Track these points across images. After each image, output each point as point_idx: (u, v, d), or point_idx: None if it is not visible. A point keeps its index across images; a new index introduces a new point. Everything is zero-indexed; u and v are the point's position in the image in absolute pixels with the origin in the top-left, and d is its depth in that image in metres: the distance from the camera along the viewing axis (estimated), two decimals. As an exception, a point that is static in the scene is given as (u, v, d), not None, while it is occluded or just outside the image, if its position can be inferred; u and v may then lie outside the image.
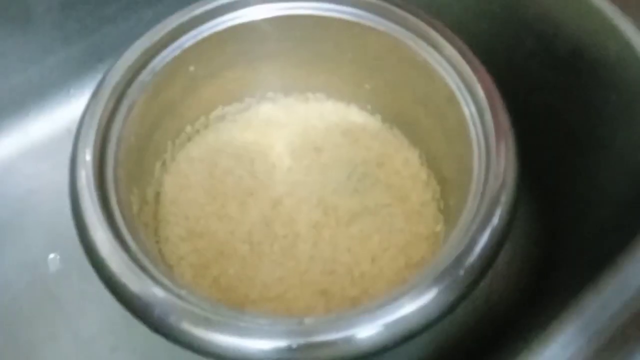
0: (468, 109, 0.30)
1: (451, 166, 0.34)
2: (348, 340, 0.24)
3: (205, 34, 0.33)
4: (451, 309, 0.25)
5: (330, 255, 0.34)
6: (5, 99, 0.41)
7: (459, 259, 0.25)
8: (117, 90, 0.30)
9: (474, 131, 0.30)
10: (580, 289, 0.27)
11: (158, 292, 0.24)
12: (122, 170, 0.29)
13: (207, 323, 0.23)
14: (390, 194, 0.36)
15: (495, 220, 0.26)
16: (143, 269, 0.24)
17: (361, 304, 0.30)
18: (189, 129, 0.37)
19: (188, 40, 0.33)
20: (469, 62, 0.30)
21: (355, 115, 0.39)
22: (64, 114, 0.42)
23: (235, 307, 0.29)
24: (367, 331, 0.24)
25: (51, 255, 0.38)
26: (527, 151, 0.29)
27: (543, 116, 0.35)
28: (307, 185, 0.36)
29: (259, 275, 0.33)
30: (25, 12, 0.38)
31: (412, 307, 0.24)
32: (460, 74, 0.31)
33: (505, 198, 0.27)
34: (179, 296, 0.24)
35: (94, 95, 0.30)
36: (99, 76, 0.31)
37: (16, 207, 0.40)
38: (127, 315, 0.35)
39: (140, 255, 0.25)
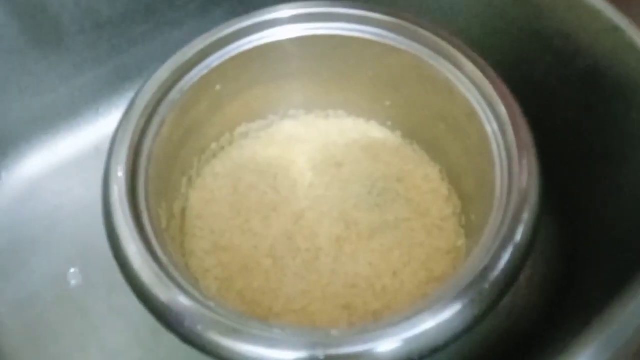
0: (490, 126, 0.31)
1: (472, 182, 0.34)
2: (373, 353, 0.24)
3: (232, 54, 0.34)
4: (474, 324, 0.25)
5: (352, 269, 0.34)
6: (36, 117, 0.42)
7: (483, 274, 0.26)
8: (148, 109, 0.31)
9: (496, 147, 0.30)
10: (602, 305, 0.27)
11: (188, 303, 0.25)
12: (152, 186, 0.30)
13: (236, 333, 0.24)
14: (411, 208, 0.36)
15: (519, 236, 0.27)
16: (173, 280, 0.25)
17: (384, 318, 0.31)
18: (214, 145, 0.38)
19: (215, 60, 0.34)
20: (489, 79, 0.31)
21: (375, 132, 0.39)
22: (93, 132, 0.44)
23: (260, 319, 0.29)
24: (392, 344, 0.24)
25: (78, 270, 0.39)
26: (547, 167, 0.29)
27: (563, 132, 0.35)
28: (328, 200, 0.37)
29: (282, 289, 0.33)
30: (58, 33, 0.39)
31: (435, 321, 0.25)
32: (481, 90, 0.31)
33: (528, 213, 0.27)
34: (208, 307, 0.25)
35: (126, 113, 0.31)
36: (127, 95, 0.32)
37: (45, 223, 0.41)
38: (154, 327, 0.35)
39: (171, 268, 0.26)
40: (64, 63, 0.41)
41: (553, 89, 0.34)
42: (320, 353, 0.23)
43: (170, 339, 0.35)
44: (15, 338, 0.36)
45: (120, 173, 0.29)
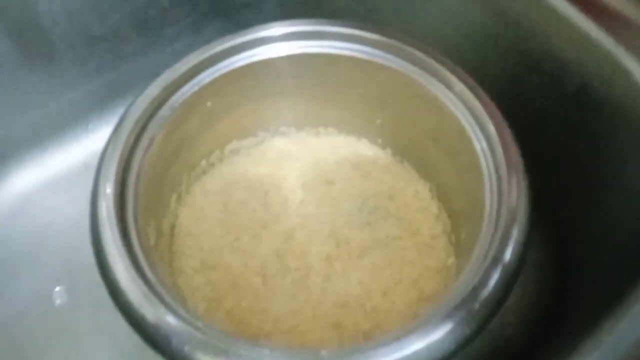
0: (479, 144, 0.31)
1: (462, 200, 0.34)
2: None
3: (223, 71, 0.34)
4: (464, 344, 0.25)
5: (343, 288, 0.34)
6: (25, 133, 0.42)
7: (473, 294, 0.25)
8: (138, 125, 0.31)
9: (485, 165, 0.30)
10: (593, 323, 0.27)
11: (176, 323, 0.24)
12: (141, 203, 0.30)
13: (224, 354, 0.24)
14: (401, 227, 0.36)
15: (508, 255, 0.27)
16: (161, 299, 0.25)
17: (374, 338, 0.30)
18: (204, 162, 0.38)
19: (206, 76, 0.34)
20: (478, 98, 0.31)
21: (366, 149, 0.40)
22: (82, 148, 0.43)
23: (249, 339, 0.29)
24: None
25: (65, 288, 0.38)
26: (537, 186, 0.29)
27: (552, 151, 0.35)
28: (319, 217, 0.37)
29: (272, 308, 0.33)
30: (49, 48, 0.39)
31: (426, 342, 0.24)
32: (470, 109, 0.31)
33: (517, 231, 0.27)
34: (196, 327, 0.24)
35: (116, 129, 0.30)
36: (117, 112, 0.32)
37: (33, 239, 0.40)
38: (140, 347, 0.35)
39: (159, 287, 0.25)
40: (55, 78, 0.41)
41: (542, 109, 0.35)
42: (310, 374, 0.23)
43: (155, 357, 0.35)
44: (0, 355, 0.36)
45: (108, 189, 0.29)
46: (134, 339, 0.35)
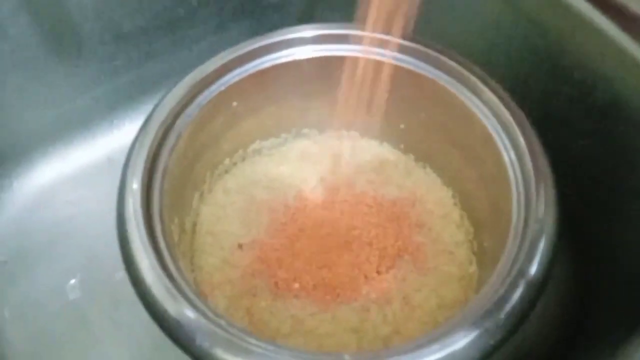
0: (507, 154, 0.31)
1: (486, 208, 0.34)
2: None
3: (250, 72, 0.34)
4: (486, 355, 0.25)
5: (362, 292, 0.34)
6: (51, 127, 0.42)
7: (499, 304, 0.25)
8: (165, 123, 0.31)
9: (513, 175, 0.30)
10: (616, 340, 0.26)
11: (199, 320, 0.24)
12: (166, 200, 0.30)
13: (246, 353, 0.24)
14: (422, 233, 0.36)
15: (535, 266, 0.26)
16: (184, 296, 0.25)
17: (394, 344, 0.30)
18: (227, 161, 0.38)
19: (233, 77, 0.34)
20: (507, 107, 0.31)
21: (388, 154, 0.39)
22: (106, 143, 0.44)
23: (270, 340, 0.29)
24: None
25: (83, 281, 0.38)
26: (563, 198, 0.29)
27: (580, 164, 0.35)
28: (339, 220, 0.37)
29: (291, 309, 0.33)
30: (77, 44, 0.39)
31: (448, 350, 0.24)
32: (499, 118, 0.31)
33: (545, 244, 0.27)
34: (218, 325, 0.24)
35: (144, 126, 0.31)
36: (143, 109, 0.32)
37: (54, 232, 0.40)
38: (157, 342, 0.35)
39: (182, 284, 0.26)
40: (82, 74, 0.41)
41: (571, 119, 0.34)
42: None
43: (172, 355, 0.35)
44: (17, 348, 0.36)
45: (135, 185, 0.29)
46: (151, 334, 0.35)
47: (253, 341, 0.24)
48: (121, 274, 0.36)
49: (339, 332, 0.32)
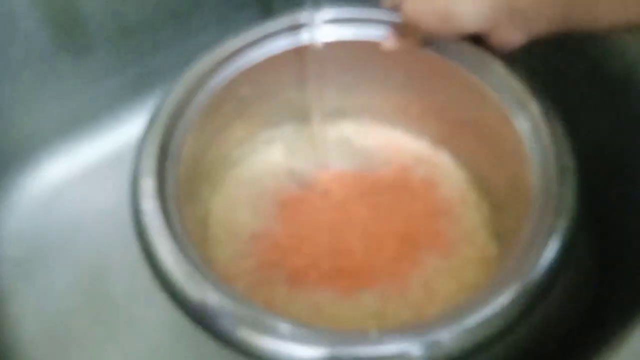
0: (523, 130, 0.30)
1: (503, 188, 0.34)
2: (409, 353, 0.23)
3: (260, 58, 0.34)
4: (515, 324, 0.24)
5: (382, 278, 0.33)
6: (59, 123, 0.42)
7: (520, 281, 0.25)
8: (176, 110, 0.31)
9: (530, 150, 0.29)
10: (636, 316, 0.26)
11: (223, 301, 0.24)
12: (179, 189, 0.29)
13: (272, 333, 0.23)
14: (440, 217, 0.35)
15: (555, 245, 0.26)
16: (207, 278, 0.24)
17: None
18: (237, 151, 0.38)
19: (244, 63, 0.33)
20: (518, 77, 0.31)
21: (402, 138, 0.39)
22: (115, 138, 0.43)
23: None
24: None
25: (97, 279, 0.38)
26: (584, 179, 0.28)
27: (594, 141, 0.34)
28: (354, 207, 0.36)
29: (310, 298, 0.32)
30: (86, 38, 0.39)
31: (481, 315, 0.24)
32: (513, 92, 0.31)
33: (564, 222, 0.26)
34: (243, 305, 0.24)
35: (154, 115, 0.30)
36: (150, 102, 0.31)
37: (65, 230, 0.40)
38: (174, 337, 0.35)
39: (203, 267, 0.25)
40: (90, 68, 0.41)
41: (584, 95, 0.34)
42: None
43: (189, 348, 0.34)
44: (37, 346, 0.35)
45: (148, 175, 0.28)
46: (168, 328, 0.35)
47: (278, 321, 0.24)
48: (135, 268, 0.36)
49: (360, 318, 0.31)
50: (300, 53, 0.34)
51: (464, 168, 0.37)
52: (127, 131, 0.43)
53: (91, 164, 0.42)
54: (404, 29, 0.32)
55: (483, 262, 0.34)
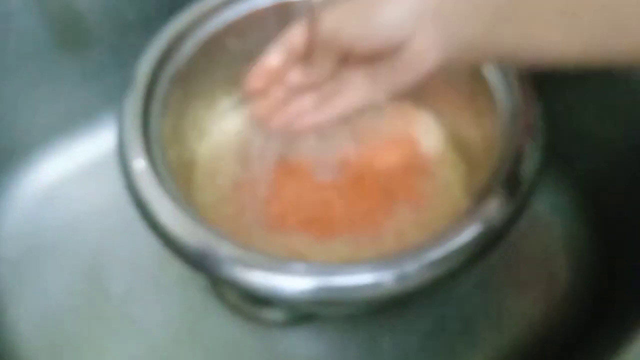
0: (497, 89, 0.31)
1: (480, 149, 0.34)
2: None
3: (248, 11, 0.34)
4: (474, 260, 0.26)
5: (357, 227, 0.34)
6: (55, 122, 0.42)
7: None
8: (164, 53, 0.32)
9: (503, 111, 0.31)
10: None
11: (229, 247, 0.26)
12: (164, 131, 0.30)
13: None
14: (417, 172, 0.36)
15: (513, 193, 0.27)
16: (207, 228, 0.26)
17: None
18: (225, 101, 0.38)
19: (231, 14, 0.34)
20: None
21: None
22: (112, 137, 0.41)
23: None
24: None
25: (95, 277, 0.38)
26: (585, 179, 0.30)
27: (598, 144, 0.35)
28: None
29: (287, 241, 0.34)
30: (84, 35, 0.39)
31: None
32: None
33: (524, 174, 0.28)
34: (247, 250, 0.26)
35: (145, 52, 0.31)
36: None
37: (62, 229, 0.40)
38: (172, 337, 0.35)
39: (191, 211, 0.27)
40: (87, 67, 0.40)
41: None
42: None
43: (187, 348, 0.35)
44: (33, 345, 0.36)
45: (134, 121, 0.30)
46: (167, 328, 0.35)
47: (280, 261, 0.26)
48: (132, 268, 0.37)
49: (332, 260, 0.33)
50: (293, 7, 0.35)
51: (443, 126, 0.38)
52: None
53: (88, 163, 0.42)
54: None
55: (455, 216, 0.35)
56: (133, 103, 0.30)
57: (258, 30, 0.36)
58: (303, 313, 0.32)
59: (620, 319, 0.31)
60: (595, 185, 0.35)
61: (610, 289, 0.35)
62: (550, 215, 0.38)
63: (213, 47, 0.34)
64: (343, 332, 0.35)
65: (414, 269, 0.25)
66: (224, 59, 0.36)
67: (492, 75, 0.31)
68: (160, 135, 0.30)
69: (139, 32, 0.39)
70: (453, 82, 0.35)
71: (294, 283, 0.25)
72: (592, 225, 0.37)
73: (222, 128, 0.38)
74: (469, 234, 0.26)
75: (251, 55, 0.37)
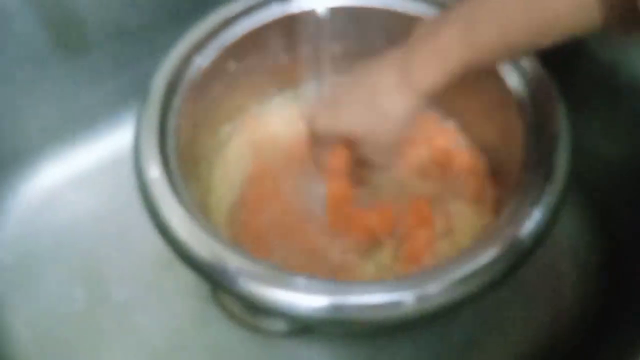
0: (510, 80, 0.31)
1: (496, 136, 0.35)
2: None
3: (248, 30, 0.34)
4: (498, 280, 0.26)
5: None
6: (55, 127, 0.41)
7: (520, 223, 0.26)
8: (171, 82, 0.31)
9: (518, 99, 0.31)
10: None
11: (240, 261, 0.26)
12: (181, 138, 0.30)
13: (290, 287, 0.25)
14: (433, 166, 0.37)
15: (541, 210, 0.27)
16: (221, 242, 0.26)
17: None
18: (229, 126, 0.38)
19: (230, 37, 0.34)
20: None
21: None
22: (110, 143, 0.42)
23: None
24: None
25: (91, 285, 0.37)
26: (591, 183, 0.30)
27: (604, 145, 0.35)
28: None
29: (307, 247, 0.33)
30: (83, 41, 0.38)
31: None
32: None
33: (551, 188, 0.27)
34: (259, 263, 0.26)
35: (148, 91, 0.31)
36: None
37: (60, 235, 0.39)
38: (168, 346, 0.35)
39: (214, 231, 0.27)
40: (86, 72, 0.40)
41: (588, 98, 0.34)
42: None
43: (184, 357, 0.34)
44: (30, 352, 0.35)
45: (153, 152, 0.29)
46: (163, 336, 0.35)
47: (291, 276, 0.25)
48: (131, 274, 0.36)
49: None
50: (297, 21, 0.35)
51: (451, 117, 0.38)
52: (123, 136, 0.38)
53: (87, 168, 0.41)
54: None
55: (478, 204, 0.35)
56: (150, 114, 0.30)
57: (259, 49, 0.36)
58: (305, 324, 0.32)
59: (626, 330, 0.31)
60: (602, 198, 0.35)
61: (616, 300, 0.35)
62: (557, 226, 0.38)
63: (215, 70, 0.34)
64: (345, 343, 0.35)
65: (435, 290, 0.24)
66: (241, 69, 0.36)
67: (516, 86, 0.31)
68: (176, 146, 0.30)
69: (138, 37, 0.40)
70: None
71: (308, 300, 0.25)
72: (598, 235, 0.37)
73: (225, 154, 0.38)
74: (492, 253, 0.25)
75: (267, 65, 0.37)
